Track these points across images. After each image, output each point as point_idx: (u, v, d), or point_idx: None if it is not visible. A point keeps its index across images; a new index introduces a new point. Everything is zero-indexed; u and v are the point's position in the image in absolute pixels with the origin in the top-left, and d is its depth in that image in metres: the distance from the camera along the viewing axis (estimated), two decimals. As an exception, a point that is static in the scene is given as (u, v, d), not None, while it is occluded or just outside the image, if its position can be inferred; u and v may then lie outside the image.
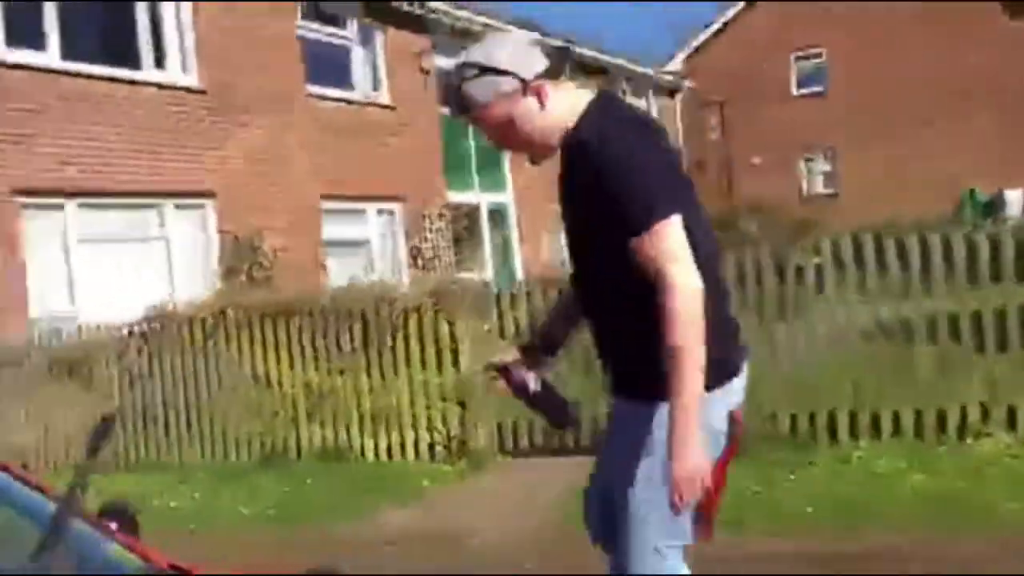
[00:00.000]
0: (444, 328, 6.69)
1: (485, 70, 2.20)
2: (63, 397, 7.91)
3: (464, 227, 15.32)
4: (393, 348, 6.88)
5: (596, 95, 2.29)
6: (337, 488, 6.41)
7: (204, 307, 7.56)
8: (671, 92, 23.48)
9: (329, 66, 13.45)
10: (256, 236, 11.45)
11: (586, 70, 19.33)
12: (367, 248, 13.64)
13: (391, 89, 14.26)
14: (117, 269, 10.26)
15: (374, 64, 14.22)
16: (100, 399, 7.76)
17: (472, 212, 15.80)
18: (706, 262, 2.17)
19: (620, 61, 20.60)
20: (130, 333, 7.71)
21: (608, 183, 2.12)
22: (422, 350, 6.82)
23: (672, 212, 2.10)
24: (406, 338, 6.83)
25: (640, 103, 22.15)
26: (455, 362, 6.71)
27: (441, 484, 6.40)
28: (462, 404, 6.66)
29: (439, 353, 6.76)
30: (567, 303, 2.57)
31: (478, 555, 4.99)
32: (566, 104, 2.25)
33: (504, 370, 2.49)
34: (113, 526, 2.46)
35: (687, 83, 23.85)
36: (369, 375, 6.97)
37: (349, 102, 13.57)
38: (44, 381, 7.98)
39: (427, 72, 14.49)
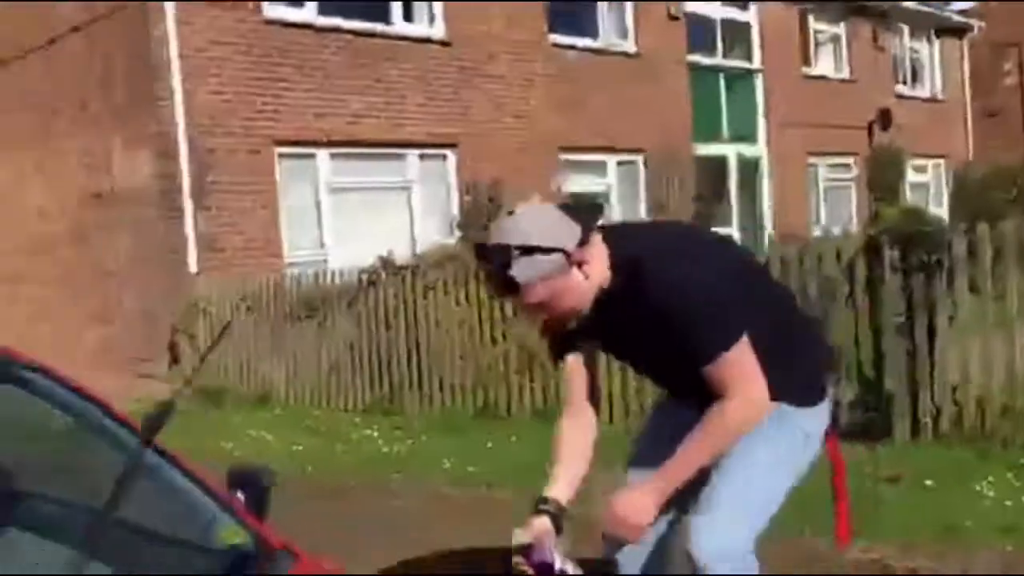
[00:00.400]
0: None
1: (529, 250, 2.15)
2: (304, 340, 8.41)
3: (710, 181, 14.68)
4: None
5: (609, 231, 2.32)
6: (542, 448, 6.31)
7: (425, 258, 7.69)
8: (958, 32, 21.16)
9: (574, 14, 13.23)
10: (494, 186, 11.55)
11: (861, 11, 17.81)
12: (606, 201, 13.42)
13: (637, 37, 13.82)
14: (363, 217, 10.73)
15: (620, 11, 13.82)
16: (334, 341, 8.17)
17: (720, 165, 15.11)
18: (784, 318, 2.43)
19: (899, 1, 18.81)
20: (359, 281, 8.00)
21: (668, 320, 2.21)
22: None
23: (735, 339, 2.22)
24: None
25: (921, 46, 20.17)
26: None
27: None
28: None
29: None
30: (570, 463, 2.45)
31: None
32: (599, 260, 2.28)
33: (526, 550, 2.29)
34: (239, 495, 2.43)
35: (977, 23, 21.38)
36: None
37: (593, 51, 13.30)
38: (289, 323, 8.51)
39: (676, 18, 13.90)
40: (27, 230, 11.10)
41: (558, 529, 2.34)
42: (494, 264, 2.19)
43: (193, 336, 9.23)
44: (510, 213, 2.23)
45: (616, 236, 2.33)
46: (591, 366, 2.51)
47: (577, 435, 2.47)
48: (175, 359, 9.48)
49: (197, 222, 9.61)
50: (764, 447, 2.33)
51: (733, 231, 14.42)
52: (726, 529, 2.29)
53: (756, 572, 2.36)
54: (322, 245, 10.59)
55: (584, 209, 2.36)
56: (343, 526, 4.91)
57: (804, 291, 5.96)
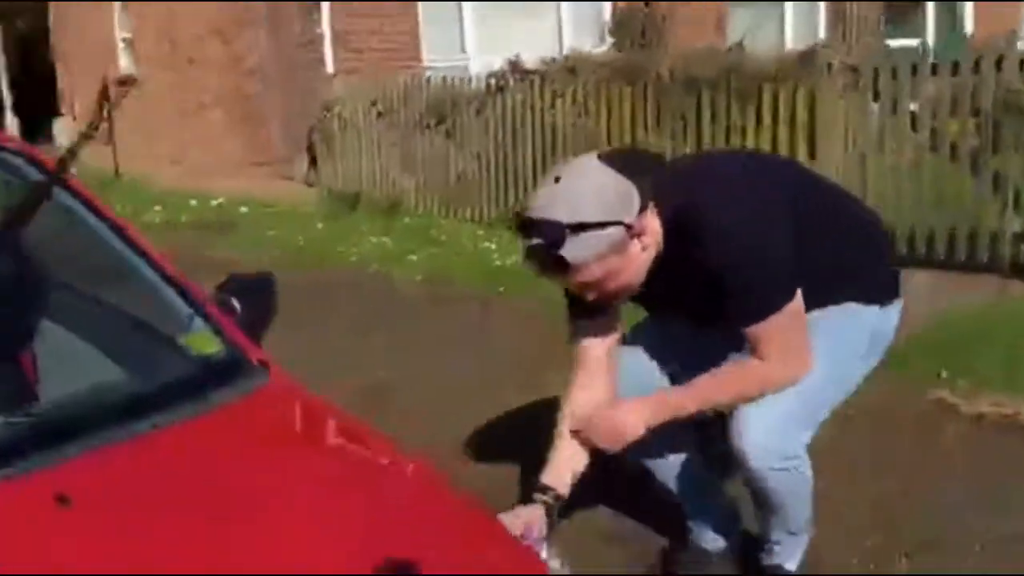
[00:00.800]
0: (802, 107, 5.64)
1: (583, 226, 1.83)
2: (433, 147, 8.15)
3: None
4: (743, 126, 5.98)
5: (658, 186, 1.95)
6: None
7: (556, 63, 7.15)
8: None
9: None
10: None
11: None
12: (779, 7, 12.20)
13: None
14: (508, 22, 10.16)
15: None
16: (461, 150, 7.88)
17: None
18: (845, 223, 2.18)
19: None
20: (487, 86, 7.58)
21: (715, 281, 1.96)
22: (775, 130, 5.84)
23: (782, 305, 1.97)
24: (758, 114, 5.89)
25: None
26: (812, 151, 5.67)
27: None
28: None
29: (793, 136, 5.76)
30: (574, 442, 2.15)
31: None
32: (655, 225, 1.96)
33: None
34: (235, 304, 2.21)
35: None
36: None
37: None
38: (419, 130, 8.26)
39: None
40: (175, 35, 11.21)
41: (551, 520, 2.02)
42: (543, 241, 1.86)
43: (330, 138, 9.16)
44: (557, 179, 1.89)
45: (658, 186, 1.96)
46: (614, 326, 2.19)
47: (587, 408, 2.14)
48: (313, 161, 9.49)
49: (333, 20, 9.34)
50: (826, 346, 2.08)
51: (928, 38, 12.87)
52: (777, 426, 2.06)
53: (809, 472, 2.14)
54: (463, 50, 10.16)
55: (640, 161, 2.03)
56: (417, 335, 4.80)
57: (977, 107, 5.14)
